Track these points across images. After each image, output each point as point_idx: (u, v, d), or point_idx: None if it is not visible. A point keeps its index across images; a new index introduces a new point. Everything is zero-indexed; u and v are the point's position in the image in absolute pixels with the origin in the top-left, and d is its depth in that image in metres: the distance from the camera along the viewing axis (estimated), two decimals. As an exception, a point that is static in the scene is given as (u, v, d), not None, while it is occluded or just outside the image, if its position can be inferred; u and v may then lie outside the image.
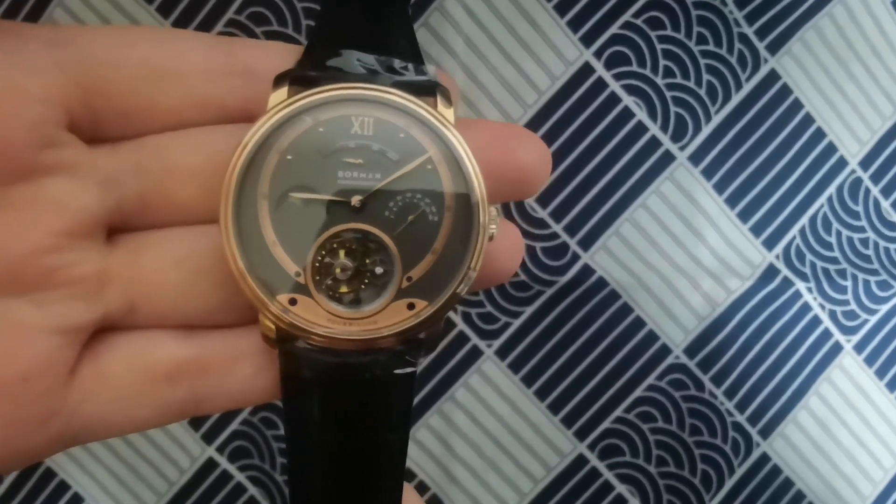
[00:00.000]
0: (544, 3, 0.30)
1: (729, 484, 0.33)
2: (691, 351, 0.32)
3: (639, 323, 0.32)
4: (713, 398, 0.33)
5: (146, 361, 0.17)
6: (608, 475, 0.32)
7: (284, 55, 0.18)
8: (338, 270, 0.17)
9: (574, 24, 0.30)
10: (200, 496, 0.32)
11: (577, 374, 0.32)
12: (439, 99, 0.18)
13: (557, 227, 0.31)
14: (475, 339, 0.31)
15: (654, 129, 0.31)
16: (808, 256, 0.33)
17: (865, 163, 0.33)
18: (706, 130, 0.32)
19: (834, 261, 0.33)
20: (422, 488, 0.32)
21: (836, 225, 0.33)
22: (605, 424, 0.32)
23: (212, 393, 0.17)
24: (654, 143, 0.31)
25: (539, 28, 0.30)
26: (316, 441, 0.18)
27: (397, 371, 0.17)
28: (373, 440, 0.18)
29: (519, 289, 0.31)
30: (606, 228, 0.31)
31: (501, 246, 0.18)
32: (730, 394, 0.33)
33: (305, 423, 0.18)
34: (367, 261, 0.17)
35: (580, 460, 0.32)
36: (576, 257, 0.31)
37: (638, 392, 0.32)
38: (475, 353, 0.31)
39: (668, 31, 0.31)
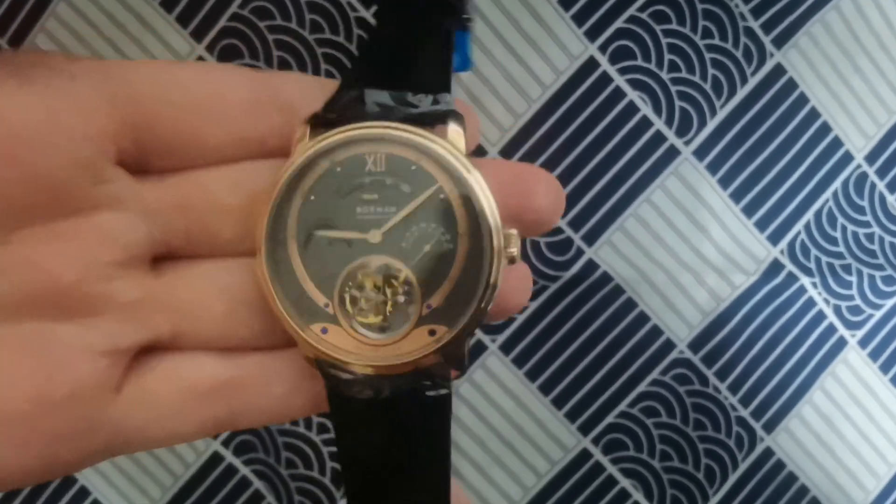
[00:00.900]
0: (549, -3, 0.30)
1: (732, 478, 0.33)
2: (695, 346, 0.32)
3: (643, 318, 0.32)
4: (717, 393, 0.33)
5: (188, 381, 0.18)
6: (612, 469, 0.33)
7: (322, 91, 0.18)
8: (362, 301, 0.18)
9: (579, 19, 0.30)
10: (206, 490, 0.32)
11: (581, 368, 0.32)
12: (450, 127, 0.18)
13: (562, 223, 0.31)
14: (479, 334, 0.31)
15: (658, 123, 0.31)
16: (813, 251, 0.33)
17: (871, 157, 0.33)
18: (711, 125, 0.31)
19: (839, 256, 0.33)
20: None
21: (841, 220, 0.33)
22: (609, 419, 0.32)
23: (248, 410, 0.18)
24: (659, 138, 0.31)
25: (543, 22, 0.30)
26: (361, 451, 0.19)
27: (429, 393, 0.18)
28: (413, 452, 0.19)
29: (523, 284, 0.31)
30: (611, 223, 0.31)
31: (508, 283, 0.18)
32: (734, 389, 0.33)
33: (349, 434, 0.19)
34: (389, 290, 0.18)
35: (584, 455, 0.32)
36: (580, 252, 0.31)
37: (642, 387, 0.32)
38: (479, 348, 0.31)
39: (674, 26, 0.30)
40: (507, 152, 0.31)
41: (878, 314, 0.33)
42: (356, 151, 0.18)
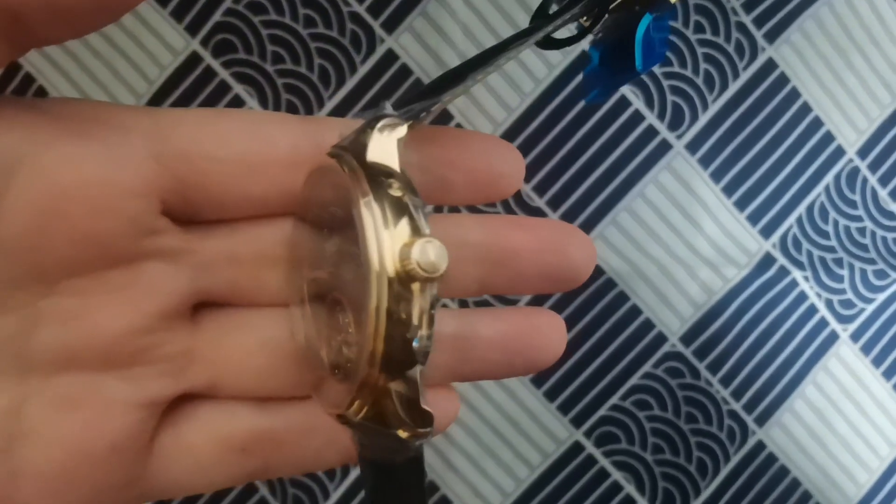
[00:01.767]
0: (541, -9, 0.30)
1: (724, 472, 0.33)
2: (687, 339, 0.32)
3: (635, 311, 0.32)
4: (709, 386, 0.33)
5: (224, 433, 0.18)
6: (604, 462, 0.33)
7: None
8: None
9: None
10: (213, 495, 0.32)
11: (574, 362, 0.32)
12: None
13: (555, 217, 0.31)
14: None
15: (651, 118, 0.31)
16: (805, 245, 0.33)
17: (863, 152, 0.33)
18: (703, 119, 0.32)
19: (831, 250, 0.33)
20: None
21: (833, 214, 0.33)
22: (602, 412, 0.32)
23: (282, 462, 0.18)
24: (651, 132, 0.31)
25: (536, 17, 0.30)
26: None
27: (399, 458, 0.17)
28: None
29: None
30: (603, 217, 0.32)
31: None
32: (725, 382, 0.33)
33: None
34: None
35: (576, 447, 0.32)
36: (572, 246, 0.32)
37: (634, 380, 0.32)
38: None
39: (666, 20, 0.31)
40: (500, 146, 0.31)
41: (870, 308, 0.33)
42: None
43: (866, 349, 0.33)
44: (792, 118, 0.32)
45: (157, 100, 0.30)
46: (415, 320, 0.13)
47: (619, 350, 0.32)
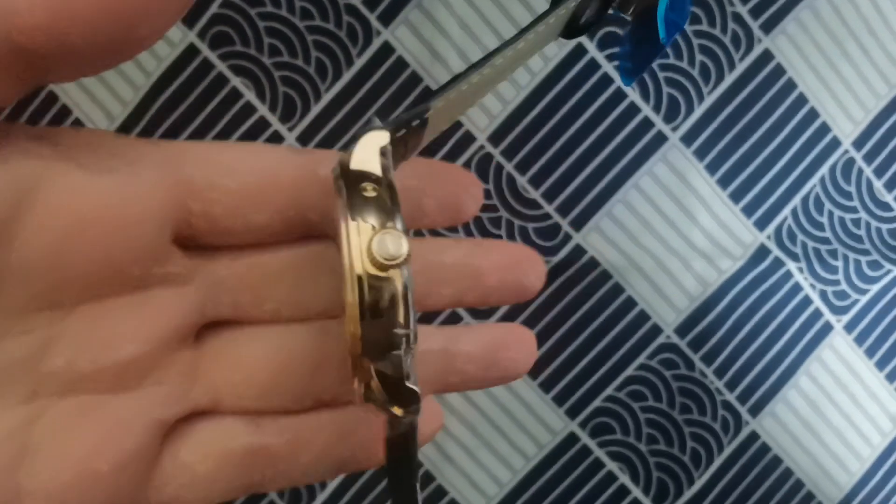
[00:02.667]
0: (536, -17, 0.30)
1: (718, 461, 0.33)
2: (682, 331, 0.33)
3: (630, 303, 0.32)
4: (703, 377, 0.33)
5: (221, 451, 0.18)
6: (599, 453, 0.33)
7: None
8: None
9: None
10: None
11: (569, 353, 0.32)
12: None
13: (549, 208, 0.32)
14: (468, 319, 0.32)
15: (646, 109, 0.31)
16: (800, 237, 0.33)
17: (859, 143, 0.33)
18: (699, 111, 0.32)
19: (825, 241, 0.33)
20: (416, 465, 0.32)
21: (828, 205, 0.33)
22: (597, 403, 0.33)
23: (277, 476, 0.19)
24: (647, 124, 0.31)
25: (532, 10, 0.30)
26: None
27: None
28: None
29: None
30: (598, 209, 0.32)
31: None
32: (720, 373, 0.33)
33: None
34: None
35: (571, 438, 0.33)
36: (567, 238, 0.32)
37: (629, 371, 0.33)
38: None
39: (661, 12, 0.31)
40: (496, 138, 0.31)
41: (864, 299, 0.33)
42: None
43: (860, 340, 0.34)
44: (787, 109, 0.32)
45: (154, 91, 0.30)
46: (386, 304, 0.15)
47: (614, 341, 0.32)
